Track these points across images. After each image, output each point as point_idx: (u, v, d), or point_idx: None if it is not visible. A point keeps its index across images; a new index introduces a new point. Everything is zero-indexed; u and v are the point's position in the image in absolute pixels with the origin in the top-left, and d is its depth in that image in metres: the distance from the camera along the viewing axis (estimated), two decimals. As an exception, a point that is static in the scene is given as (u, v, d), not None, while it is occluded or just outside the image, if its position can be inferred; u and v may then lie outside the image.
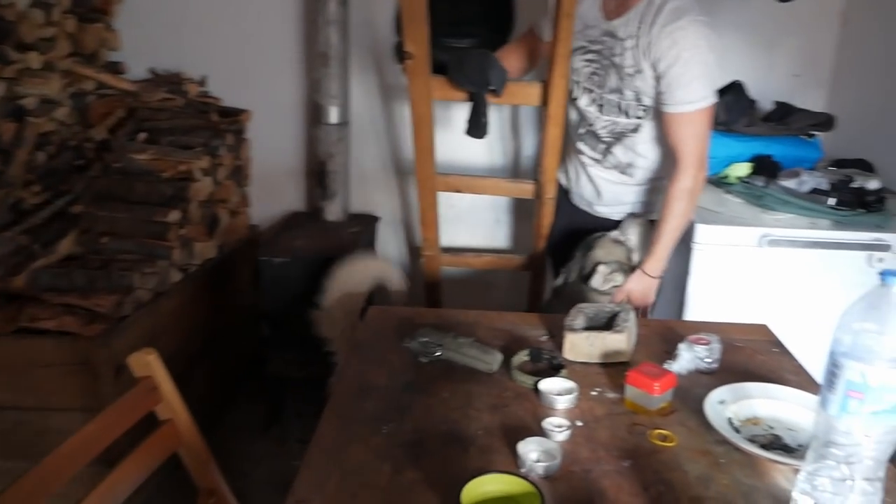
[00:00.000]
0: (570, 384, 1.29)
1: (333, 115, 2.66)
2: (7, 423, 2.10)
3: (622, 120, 1.96)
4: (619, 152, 2.02)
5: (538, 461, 1.09)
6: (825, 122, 2.26)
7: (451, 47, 2.65)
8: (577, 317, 1.47)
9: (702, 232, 2.04)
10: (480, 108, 2.05)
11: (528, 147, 2.96)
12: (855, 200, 2.06)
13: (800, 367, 1.44)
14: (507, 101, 2.10)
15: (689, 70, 1.75)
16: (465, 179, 2.35)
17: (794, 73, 2.74)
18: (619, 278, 1.97)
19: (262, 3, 2.83)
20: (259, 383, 2.97)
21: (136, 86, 2.74)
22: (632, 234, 2.02)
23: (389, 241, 3.08)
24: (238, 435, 2.68)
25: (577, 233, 2.30)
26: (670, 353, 1.46)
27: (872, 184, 2.13)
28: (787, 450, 1.15)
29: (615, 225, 2.09)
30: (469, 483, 0.94)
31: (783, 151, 2.23)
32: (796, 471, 1.08)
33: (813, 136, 2.32)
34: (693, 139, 1.81)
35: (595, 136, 2.07)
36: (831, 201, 2.05)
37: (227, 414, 2.79)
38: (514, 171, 2.99)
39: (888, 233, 1.99)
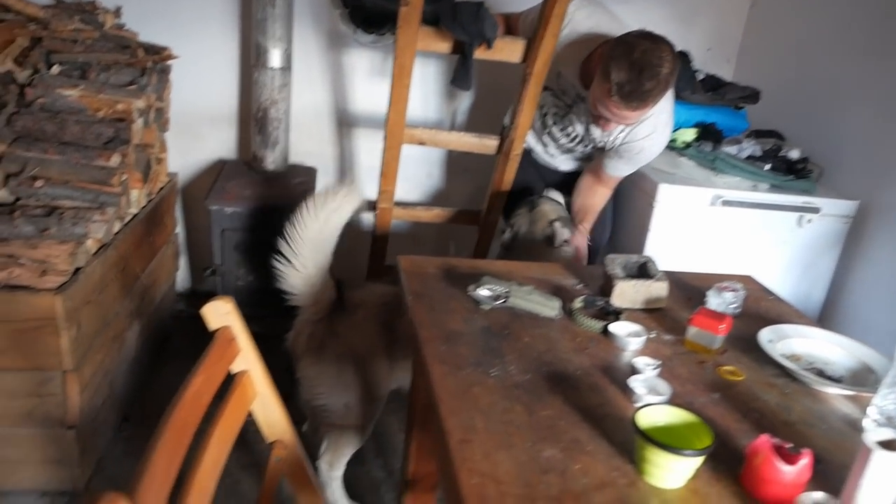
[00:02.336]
0: (637, 327, 1.39)
1: (276, 59, 2.52)
2: (-56, 389, 1.85)
3: (579, 147, 2.34)
4: (577, 153, 2.41)
5: (649, 394, 1.18)
6: (752, 95, 2.52)
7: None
8: (615, 266, 1.57)
9: (663, 191, 2.23)
10: (470, 60, 2.06)
11: (465, 104, 3.00)
12: (785, 167, 2.34)
13: (798, 310, 1.65)
14: (490, 55, 2.12)
15: (638, 161, 2.17)
16: (430, 133, 2.35)
17: (707, 47, 3.00)
18: (566, 232, 2.14)
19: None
20: (190, 339, 2.81)
21: (45, 12, 2.43)
22: (558, 196, 2.33)
23: (322, 194, 2.99)
24: (175, 394, 2.52)
25: (530, 186, 2.46)
26: (691, 300, 1.61)
27: (794, 153, 2.42)
28: (833, 381, 1.33)
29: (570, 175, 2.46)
30: (638, 412, 1.01)
31: (719, 120, 2.47)
32: (849, 398, 1.27)
33: (741, 107, 2.58)
34: (614, 186, 2.33)
35: (556, 141, 2.38)
36: (767, 167, 2.32)
37: (158, 373, 2.62)
38: (450, 127, 3.02)
39: (816, 197, 2.28)
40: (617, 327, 1.38)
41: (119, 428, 2.31)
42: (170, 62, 2.68)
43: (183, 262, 3.03)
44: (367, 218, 3.04)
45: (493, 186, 2.43)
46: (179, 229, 2.94)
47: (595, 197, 2.32)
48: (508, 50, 2.12)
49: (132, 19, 2.66)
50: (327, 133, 2.92)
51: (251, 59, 2.52)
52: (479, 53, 2.09)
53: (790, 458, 0.97)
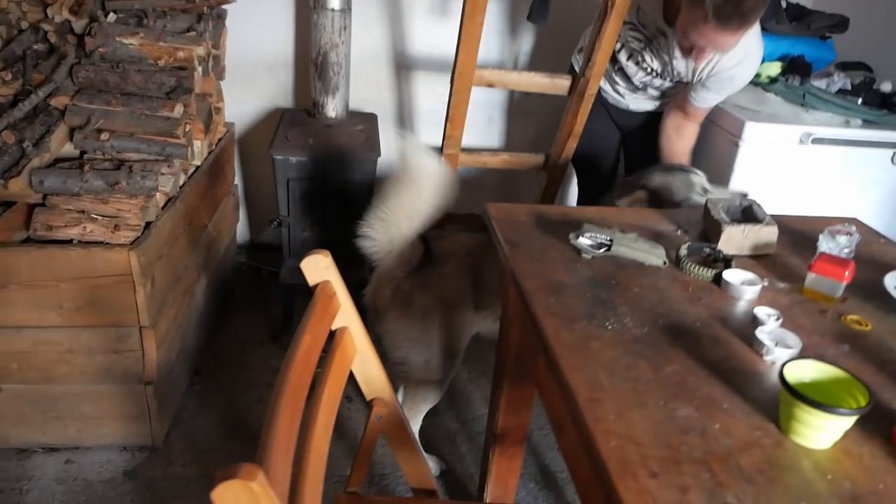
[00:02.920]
0: (751, 275, 1.31)
1: (335, 0, 2.41)
2: (26, 344, 1.84)
3: (657, 81, 2.20)
4: (651, 91, 2.27)
5: (777, 346, 1.10)
6: (840, 23, 2.36)
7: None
8: (719, 210, 1.48)
9: (749, 130, 2.10)
10: (548, -8, 1.95)
11: (527, 44, 2.87)
12: (879, 101, 2.19)
13: (914, 253, 1.55)
14: (568, -11, 2.00)
15: (730, 89, 2.06)
16: (499, 73, 2.24)
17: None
18: None
19: None
20: (252, 291, 2.81)
21: (99, -44, 2.34)
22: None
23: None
24: (243, 346, 2.52)
25: (610, 128, 2.36)
26: (797, 244, 1.51)
27: (886, 86, 2.27)
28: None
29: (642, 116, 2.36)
30: (785, 367, 0.94)
31: (805, 52, 2.31)
32: None
33: (827, 38, 2.42)
34: (703, 119, 2.17)
35: (628, 78, 2.25)
36: (859, 102, 2.17)
37: (223, 326, 2.61)
38: (513, 68, 2.90)
39: (913, 132, 2.14)
40: (730, 275, 1.30)
41: (191, 382, 2.31)
42: (225, 6, 2.59)
43: (241, 214, 2.99)
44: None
45: (565, 129, 2.33)
46: (237, 180, 2.89)
47: (684, 139, 2.19)
48: (586, -18, 2.00)
49: (183, -37, 2.56)
50: (385, 78, 2.83)
51: (310, 1, 2.42)
52: (556, -13, 1.97)
53: (955, 417, 0.89)
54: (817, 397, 0.90)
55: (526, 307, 1.21)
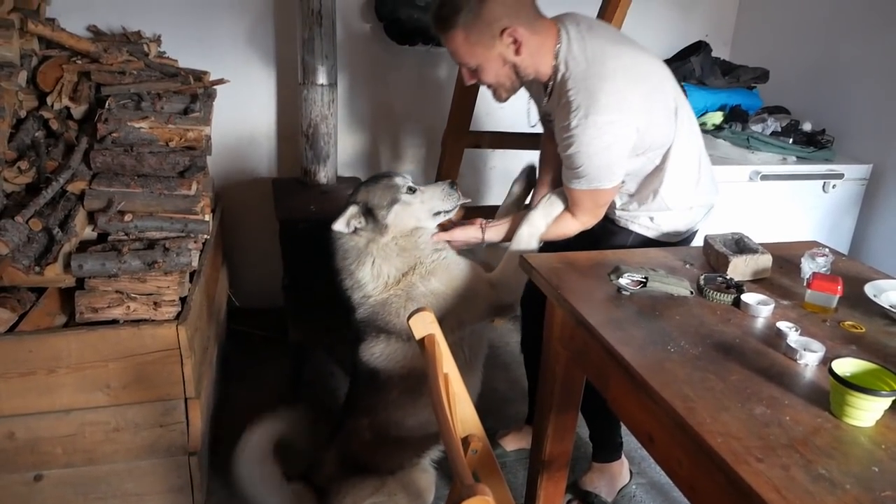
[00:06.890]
0: (763, 297, 1.57)
1: (323, 77, 2.60)
2: (72, 427, 1.88)
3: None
4: None
5: (806, 351, 1.35)
6: (763, 74, 2.75)
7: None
8: (720, 245, 1.75)
9: (709, 171, 2.42)
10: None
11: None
12: (805, 140, 2.57)
13: (871, 266, 1.87)
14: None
15: (574, 161, 1.79)
16: (484, 136, 2.48)
17: (705, 33, 3.22)
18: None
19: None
20: (243, 356, 2.87)
21: (95, 46, 2.44)
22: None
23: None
24: (254, 411, 2.57)
25: None
26: (782, 268, 1.80)
27: (807, 126, 2.66)
28: (938, 323, 1.53)
29: None
30: (832, 365, 1.19)
31: (740, 101, 2.68)
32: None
33: (753, 87, 2.81)
34: (577, 207, 1.91)
35: None
36: (790, 141, 2.54)
37: (226, 392, 2.66)
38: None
39: (837, 164, 2.53)
40: (748, 298, 1.55)
41: (214, 450, 2.36)
42: (217, 86, 2.72)
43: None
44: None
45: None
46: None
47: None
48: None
49: (169, 45, 2.70)
50: (362, 143, 3.01)
51: (299, 78, 2.59)
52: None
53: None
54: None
55: (597, 340, 1.42)
